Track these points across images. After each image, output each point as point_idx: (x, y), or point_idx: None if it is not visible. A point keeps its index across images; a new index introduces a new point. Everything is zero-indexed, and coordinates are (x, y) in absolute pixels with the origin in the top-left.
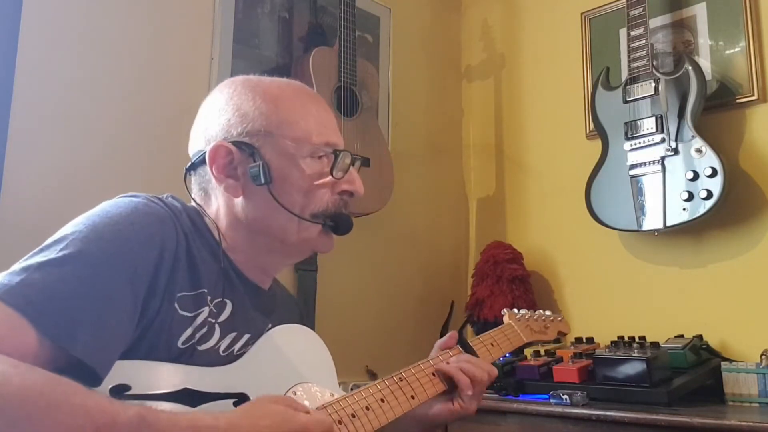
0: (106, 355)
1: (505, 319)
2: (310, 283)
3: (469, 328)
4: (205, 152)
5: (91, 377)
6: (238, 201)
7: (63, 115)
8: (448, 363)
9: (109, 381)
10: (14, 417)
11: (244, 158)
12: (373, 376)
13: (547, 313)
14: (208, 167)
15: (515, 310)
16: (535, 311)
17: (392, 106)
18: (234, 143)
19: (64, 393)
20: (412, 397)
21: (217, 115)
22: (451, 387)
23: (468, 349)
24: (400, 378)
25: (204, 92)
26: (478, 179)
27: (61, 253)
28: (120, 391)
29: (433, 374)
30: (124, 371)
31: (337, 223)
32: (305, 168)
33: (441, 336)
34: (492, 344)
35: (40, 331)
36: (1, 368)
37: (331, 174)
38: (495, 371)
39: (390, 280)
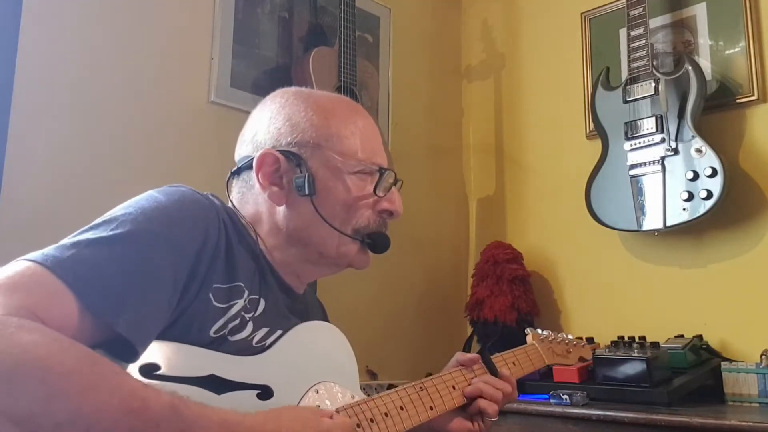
0: (146, 333)
1: (529, 339)
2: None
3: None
4: (252, 158)
5: (129, 353)
6: (281, 209)
7: (62, 115)
8: (470, 383)
9: (140, 359)
10: (52, 392)
11: (291, 168)
12: (373, 376)
13: (570, 337)
14: (253, 173)
15: (539, 331)
16: (558, 333)
17: (392, 106)
18: (282, 152)
19: (102, 374)
20: (431, 408)
21: (267, 123)
22: (470, 403)
23: (491, 368)
24: (420, 388)
25: (204, 92)
26: (478, 179)
27: (111, 233)
28: (149, 370)
29: (453, 387)
30: (156, 351)
31: (375, 241)
32: (350, 183)
33: (464, 350)
34: (514, 363)
35: (84, 305)
36: (43, 341)
37: (375, 192)
38: (515, 392)
39: (390, 280)
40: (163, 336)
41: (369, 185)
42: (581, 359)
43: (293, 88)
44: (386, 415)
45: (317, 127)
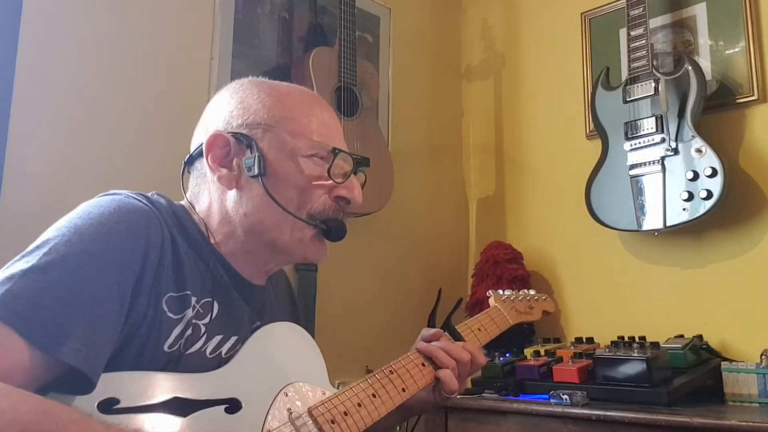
0: (97, 359)
1: (491, 301)
2: (310, 283)
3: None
4: (203, 143)
5: (83, 383)
6: (231, 194)
7: (62, 115)
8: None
9: (97, 395)
10: None
11: (242, 150)
12: None
13: (531, 292)
14: (204, 158)
15: (500, 292)
16: (519, 291)
17: (392, 106)
18: (232, 134)
19: (59, 423)
20: (403, 390)
21: (219, 108)
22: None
23: (456, 336)
24: (390, 371)
25: (204, 92)
26: (478, 179)
27: (44, 259)
28: (109, 405)
29: (423, 364)
30: (111, 385)
31: (330, 228)
32: (303, 166)
33: (428, 324)
34: (479, 329)
35: (29, 341)
36: None
37: (328, 174)
38: (482, 357)
39: (390, 280)
40: (117, 361)
41: (325, 170)
42: (545, 313)
43: (250, 77)
44: (359, 405)
45: (269, 108)
